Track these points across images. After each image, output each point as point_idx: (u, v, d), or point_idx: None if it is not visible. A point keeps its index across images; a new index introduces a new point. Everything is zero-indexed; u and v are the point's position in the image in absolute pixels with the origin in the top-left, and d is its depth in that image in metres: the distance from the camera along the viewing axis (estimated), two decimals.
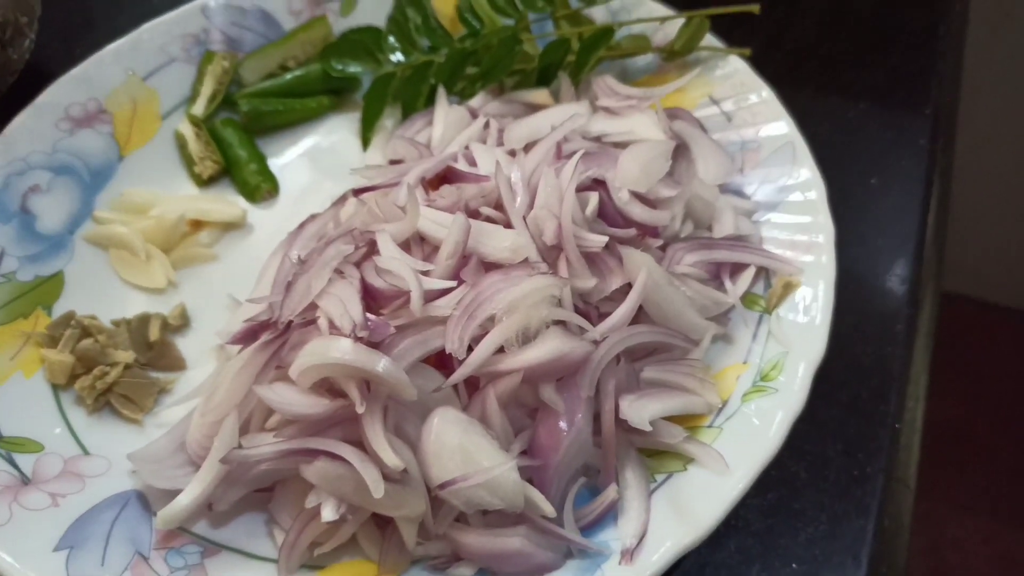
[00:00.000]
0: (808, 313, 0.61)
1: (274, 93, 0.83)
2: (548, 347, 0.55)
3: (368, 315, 0.55)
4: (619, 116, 0.72)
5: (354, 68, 0.82)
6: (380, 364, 0.52)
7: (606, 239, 0.60)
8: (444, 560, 0.54)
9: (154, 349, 0.67)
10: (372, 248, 0.61)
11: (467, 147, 0.70)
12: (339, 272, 0.59)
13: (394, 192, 0.65)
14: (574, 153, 0.65)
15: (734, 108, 0.75)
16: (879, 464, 0.61)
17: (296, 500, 0.57)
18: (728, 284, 0.63)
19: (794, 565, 0.57)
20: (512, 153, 0.69)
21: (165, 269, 0.72)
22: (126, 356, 0.65)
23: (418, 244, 0.61)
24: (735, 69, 0.76)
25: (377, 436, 0.52)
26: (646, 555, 0.51)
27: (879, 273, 0.71)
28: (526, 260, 0.58)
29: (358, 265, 0.60)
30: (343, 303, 0.56)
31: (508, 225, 0.61)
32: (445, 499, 0.52)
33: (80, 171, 0.77)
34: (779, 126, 0.71)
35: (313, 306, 0.58)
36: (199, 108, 0.82)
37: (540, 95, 0.77)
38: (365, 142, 0.80)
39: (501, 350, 0.55)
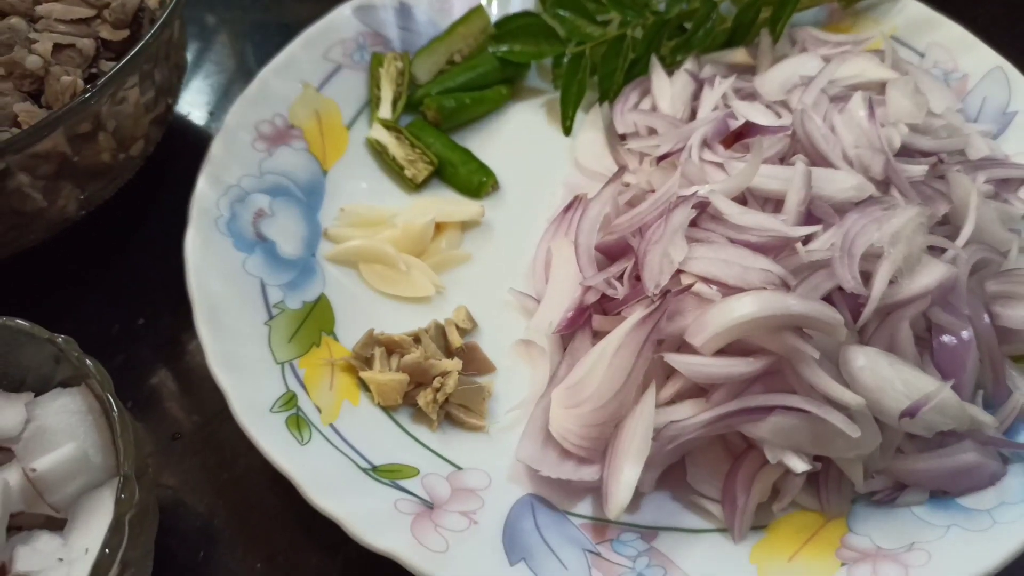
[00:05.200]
0: None
1: (458, 89, 0.80)
2: (938, 271, 0.56)
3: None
4: (839, 63, 0.75)
5: (535, 52, 0.80)
6: (816, 309, 0.52)
7: (925, 168, 0.62)
8: (887, 493, 0.55)
9: (460, 355, 0.64)
10: (702, 209, 0.60)
11: (715, 107, 0.71)
12: None
13: (683, 155, 0.65)
14: (840, 97, 0.67)
15: (923, 45, 0.79)
16: None
17: (714, 467, 0.56)
18: (1016, 198, 0.67)
19: None
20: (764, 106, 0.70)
21: (429, 276, 0.68)
22: (454, 364, 0.61)
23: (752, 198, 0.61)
24: (914, 11, 0.80)
25: (827, 380, 0.52)
26: None
27: None
28: (871, 196, 0.60)
29: (695, 226, 0.60)
30: (735, 263, 0.55)
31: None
32: (902, 429, 0.53)
33: (293, 191, 0.72)
34: (980, 54, 0.76)
35: (678, 273, 0.57)
36: (386, 112, 0.78)
37: (739, 54, 0.79)
38: (567, 128, 0.78)
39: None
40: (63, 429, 0.50)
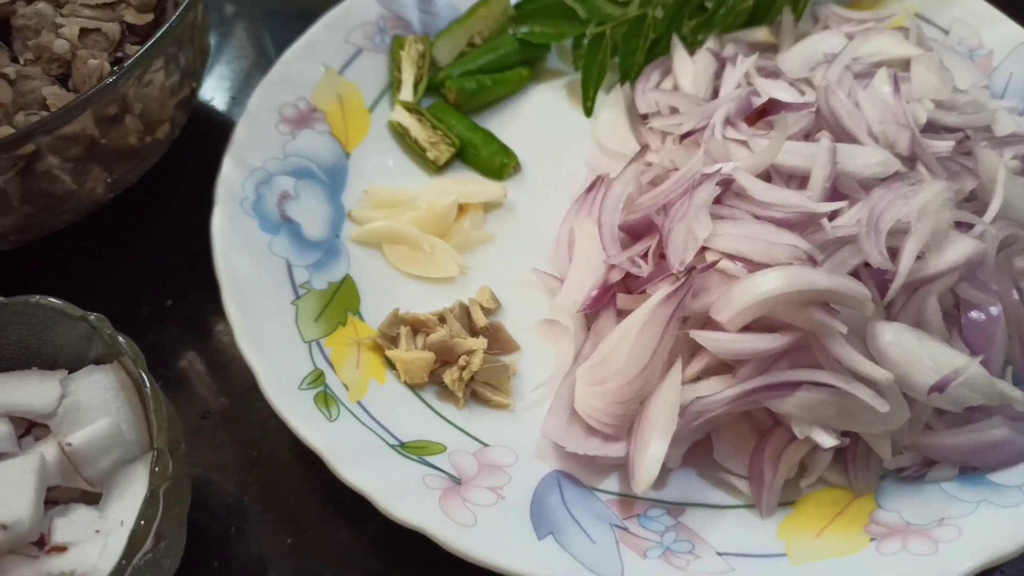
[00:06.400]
0: None
1: (478, 71, 0.80)
2: (966, 247, 0.56)
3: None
4: (862, 40, 0.74)
5: (555, 33, 0.80)
6: (842, 284, 0.52)
7: (952, 143, 0.62)
8: (915, 468, 0.55)
9: (485, 334, 0.64)
10: (726, 187, 0.60)
11: (738, 85, 0.70)
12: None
13: (705, 134, 0.65)
14: (863, 74, 0.67)
15: (947, 22, 0.78)
16: None
17: (740, 443, 0.56)
18: None
19: None
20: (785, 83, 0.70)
21: (452, 257, 0.69)
22: (479, 343, 0.61)
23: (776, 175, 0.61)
24: None
25: (854, 355, 0.52)
26: None
27: None
28: (896, 172, 0.59)
29: (719, 204, 0.60)
30: (760, 239, 0.55)
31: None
32: (931, 404, 0.53)
33: (317, 173, 0.72)
34: (1006, 30, 0.76)
35: (703, 250, 0.57)
36: (407, 94, 0.78)
37: (761, 32, 0.78)
38: (588, 109, 0.78)
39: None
40: (97, 405, 0.51)
